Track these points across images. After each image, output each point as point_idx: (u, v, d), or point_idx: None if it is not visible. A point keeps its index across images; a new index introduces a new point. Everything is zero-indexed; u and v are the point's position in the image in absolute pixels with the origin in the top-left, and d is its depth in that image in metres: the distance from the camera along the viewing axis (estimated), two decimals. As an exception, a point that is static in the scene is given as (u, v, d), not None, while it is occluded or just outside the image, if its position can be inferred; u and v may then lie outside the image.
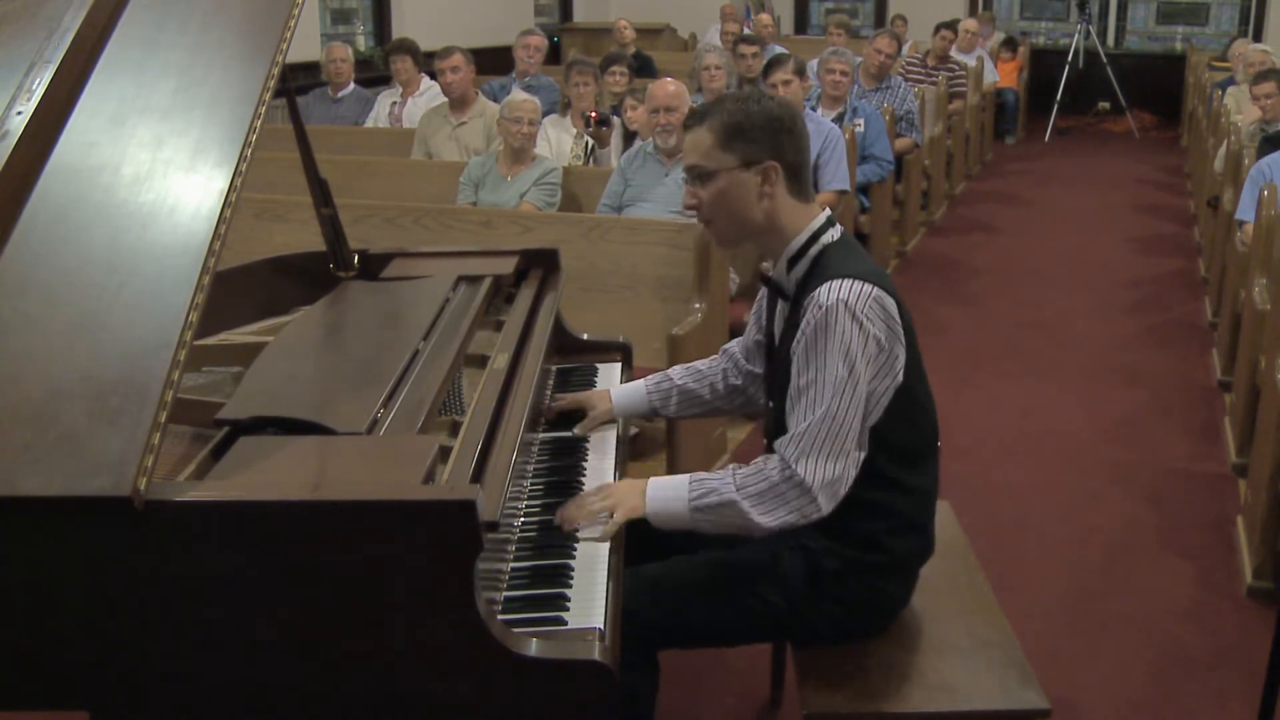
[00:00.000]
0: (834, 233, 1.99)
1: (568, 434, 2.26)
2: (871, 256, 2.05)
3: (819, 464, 1.85)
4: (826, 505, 1.87)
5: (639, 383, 2.33)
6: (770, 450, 1.96)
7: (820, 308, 1.86)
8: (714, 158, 1.95)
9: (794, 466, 1.85)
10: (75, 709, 1.52)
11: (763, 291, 2.16)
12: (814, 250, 1.97)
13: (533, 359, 2.20)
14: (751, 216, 1.97)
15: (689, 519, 1.90)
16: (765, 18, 9.31)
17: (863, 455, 1.90)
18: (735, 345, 2.30)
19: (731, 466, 1.92)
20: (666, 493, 1.91)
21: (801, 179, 1.98)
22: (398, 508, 1.46)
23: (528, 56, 6.54)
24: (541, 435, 2.24)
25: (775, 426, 2.02)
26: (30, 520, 1.41)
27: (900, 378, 1.91)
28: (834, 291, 1.86)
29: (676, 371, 2.33)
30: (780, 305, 2.07)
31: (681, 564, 2.03)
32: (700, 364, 2.33)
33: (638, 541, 2.04)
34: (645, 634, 1.92)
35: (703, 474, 1.94)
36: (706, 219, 2.02)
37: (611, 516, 1.88)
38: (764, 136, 1.93)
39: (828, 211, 2.02)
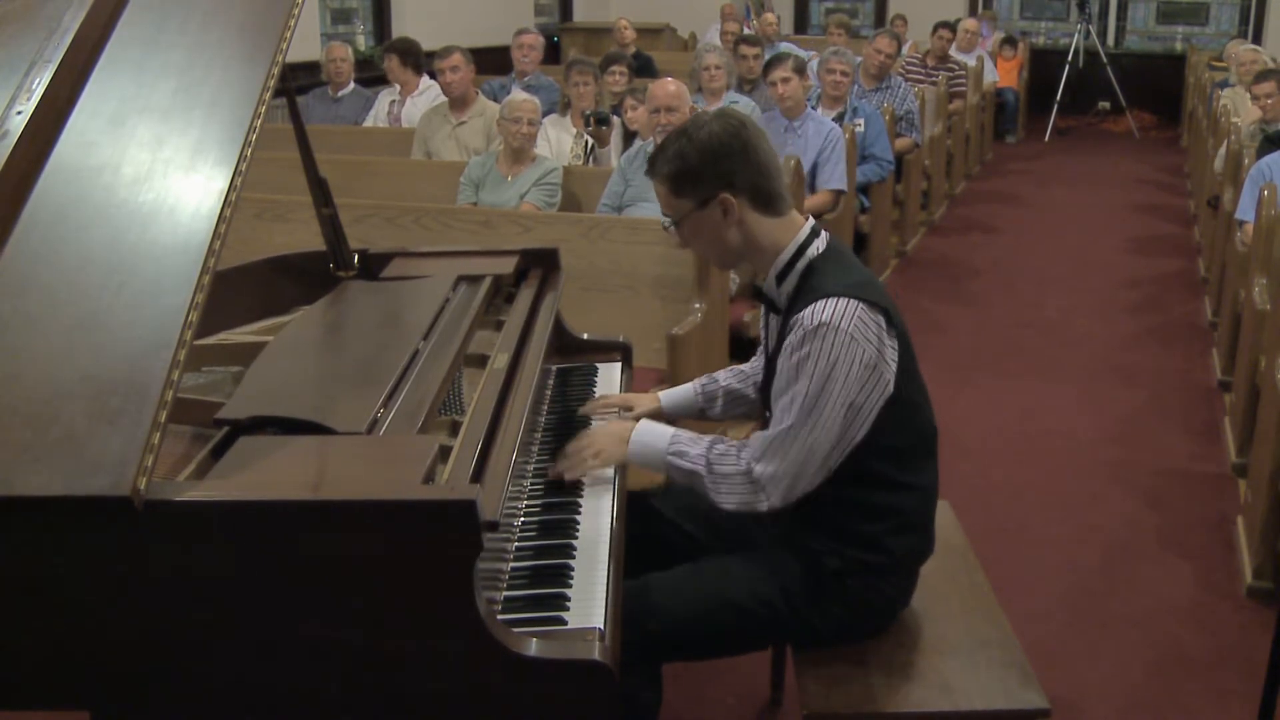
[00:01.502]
0: (819, 244, 1.98)
1: (573, 410, 2.32)
2: (861, 264, 2.04)
3: (775, 468, 1.91)
4: (776, 501, 1.94)
5: (687, 385, 2.37)
6: None
7: (803, 330, 1.87)
8: (673, 206, 1.99)
9: (753, 465, 1.92)
10: (75, 709, 1.52)
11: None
12: (800, 265, 1.97)
13: (533, 359, 2.20)
14: (729, 245, 1.99)
15: (662, 466, 2.03)
16: (770, 17, 9.30)
17: (833, 464, 1.92)
18: None
19: (712, 438, 2.00)
20: (649, 437, 2.04)
21: (766, 194, 1.96)
22: (398, 508, 1.46)
23: (523, 56, 6.54)
24: (544, 427, 2.25)
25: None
26: (30, 520, 1.41)
27: (890, 389, 1.91)
28: (818, 314, 1.86)
29: (723, 374, 2.36)
30: (772, 317, 2.08)
31: (683, 573, 2.04)
32: (744, 366, 2.36)
33: (640, 549, 2.04)
34: (648, 646, 1.92)
35: (685, 434, 2.02)
36: (698, 253, 2.09)
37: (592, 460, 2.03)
38: (707, 172, 1.93)
39: (811, 222, 2.01)
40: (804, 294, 1.93)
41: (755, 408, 2.34)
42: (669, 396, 2.36)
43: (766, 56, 5.94)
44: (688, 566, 2.06)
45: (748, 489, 1.93)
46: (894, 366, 1.91)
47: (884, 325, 1.89)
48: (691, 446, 1.99)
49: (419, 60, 6.22)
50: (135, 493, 1.37)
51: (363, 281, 2.50)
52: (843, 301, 1.86)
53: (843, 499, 1.97)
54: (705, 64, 5.71)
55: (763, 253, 1.99)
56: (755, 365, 2.33)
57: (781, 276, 1.99)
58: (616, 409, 2.31)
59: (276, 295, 2.50)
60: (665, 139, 2.01)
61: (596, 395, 2.43)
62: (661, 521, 2.19)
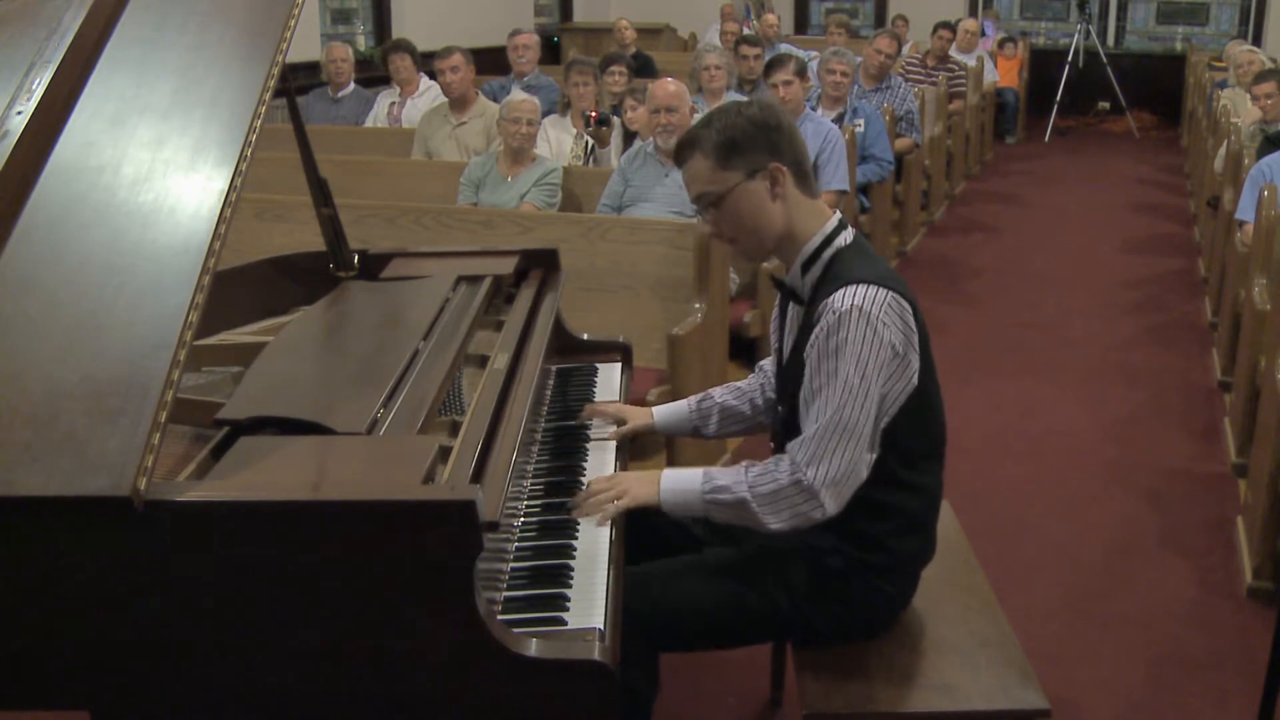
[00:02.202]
0: (846, 236, 1.98)
1: (570, 423, 2.29)
2: (884, 259, 2.04)
3: (827, 467, 1.86)
4: (832, 507, 1.88)
5: (682, 401, 2.34)
6: (780, 452, 1.96)
7: (835, 313, 1.86)
8: (718, 179, 1.94)
9: (803, 470, 1.87)
10: (75, 709, 1.52)
11: (779, 297, 2.16)
12: (827, 254, 1.96)
13: (533, 359, 2.20)
14: (771, 223, 1.96)
15: (702, 508, 1.94)
16: (772, 18, 9.31)
17: (874, 457, 1.90)
18: (767, 362, 2.30)
19: (745, 464, 1.93)
20: (680, 483, 1.95)
21: (805, 173, 1.98)
22: (398, 508, 1.46)
23: (519, 56, 6.54)
24: (544, 428, 2.25)
25: (784, 430, 2.03)
26: (30, 520, 1.41)
27: (915, 381, 1.91)
28: (849, 297, 1.86)
29: (718, 391, 2.33)
30: (793, 309, 2.06)
31: (684, 563, 2.04)
32: (741, 383, 2.33)
33: (639, 541, 2.04)
34: (646, 635, 1.92)
35: (716, 469, 1.96)
36: (731, 239, 2.02)
37: (618, 501, 1.93)
38: (758, 143, 1.93)
39: (838, 214, 2.01)
40: (829, 282, 1.92)
41: (752, 425, 2.32)
42: (663, 412, 2.32)
43: (767, 57, 5.94)
44: (689, 558, 2.06)
45: (799, 499, 1.87)
46: (918, 360, 1.92)
47: (909, 318, 1.90)
48: (727, 478, 1.92)
49: (420, 60, 6.24)
50: (135, 493, 1.38)
51: (363, 281, 2.50)
52: (872, 288, 1.86)
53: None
54: (705, 64, 5.71)
55: (794, 238, 1.98)
56: (753, 382, 2.30)
57: (807, 265, 1.98)
58: (611, 418, 2.28)
59: (276, 295, 2.50)
60: (702, 120, 1.98)
61: (596, 397, 2.43)
62: (663, 518, 2.18)
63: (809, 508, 1.88)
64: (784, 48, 7.81)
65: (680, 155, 1.99)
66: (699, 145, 1.94)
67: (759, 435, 2.41)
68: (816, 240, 1.97)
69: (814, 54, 7.20)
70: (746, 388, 2.31)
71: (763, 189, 1.94)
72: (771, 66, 5.21)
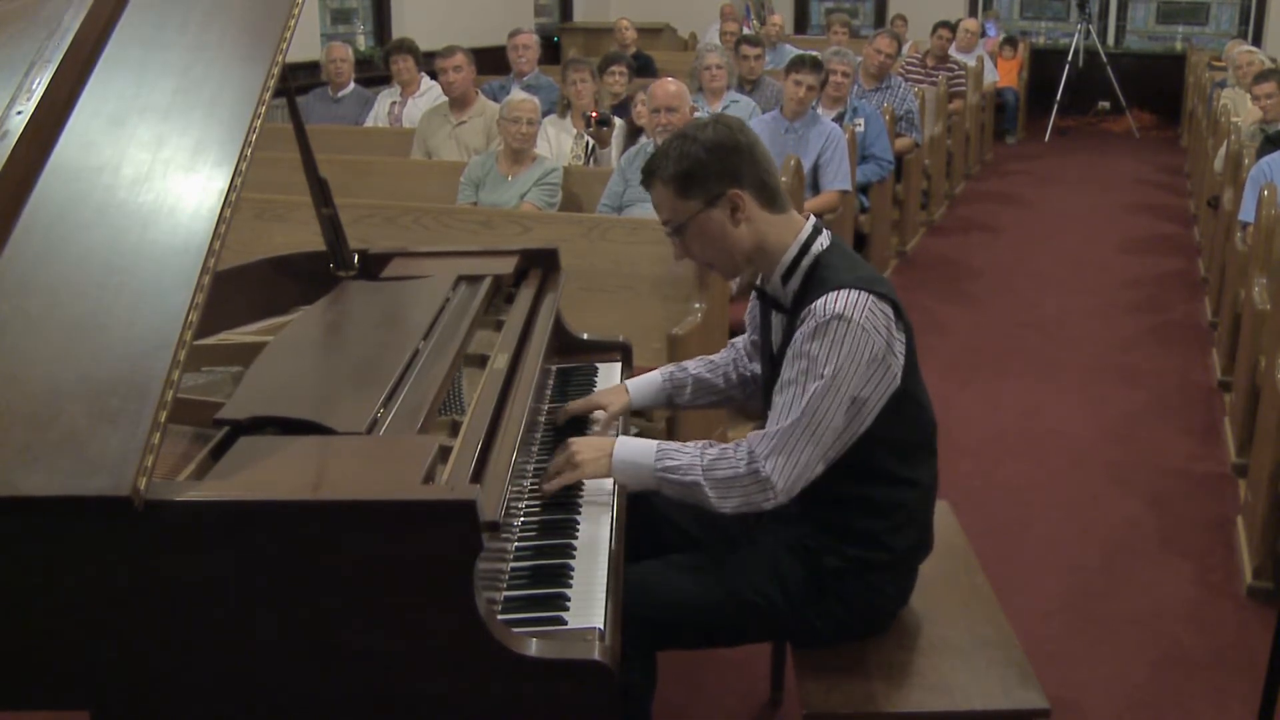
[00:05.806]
0: (823, 240, 1.99)
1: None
2: (864, 259, 2.04)
3: (785, 462, 1.88)
4: (783, 498, 1.91)
5: (654, 373, 2.34)
6: None
7: (816, 319, 1.86)
8: (679, 209, 1.96)
9: (761, 463, 1.88)
10: (75, 709, 1.52)
11: (754, 297, 2.17)
12: (806, 261, 1.97)
13: (533, 359, 2.20)
14: (739, 245, 1.97)
15: (654, 483, 1.95)
16: (777, 19, 9.31)
17: (833, 458, 1.91)
18: (741, 341, 2.33)
19: (703, 444, 1.95)
20: (633, 454, 1.96)
21: (770, 190, 1.97)
22: (398, 508, 1.46)
23: (519, 56, 6.54)
24: (544, 427, 2.24)
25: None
26: (30, 520, 1.41)
27: (897, 382, 1.91)
28: (831, 305, 1.86)
29: (692, 364, 2.35)
30: (776, 317, 2.07)
31: (681, 562, 2.04)
32: (715, 356, 2.35)
33: (637, 539, 2.05)
34: (643, 633, 1.92)
35: (672, 444, 1.97)
36: (703, 263, 2.06)
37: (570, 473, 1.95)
38: (715, 170, 1.92)
39: (813, 219, 2.02)
40: (812, 288, 1.92)
41: (724, 398, 2.34)
42: (636, 387, 2.31)
43: (768, 57, 5.94)
44: (686, 556, 2.06)
45: (752, 488, 1.89)
46: (901, 360, 1.92)
47: (893, 318, 1.90)
48: (681, 457, 1.93)
49: (422, 60, 6.24)
50: (135, 493, 1.38)
51: (363, 281, 2.50)
52: (855, 293, 1.87)
53: (845, 495, 1.97)
54: (706, 64, 5.71)
55: (768, 252, 1.98)
56: (725, 356, 2.33)
57: (787, 275, 1.98)
58: (588, 411, 2.27)
59: (276, 295, 2.50)
60: (662, 145, 1.99)
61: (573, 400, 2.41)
62: (661, 520, 2.19)
63: (761, 498, 1.90)
64: (784, 48, 7.82)
65: (644, 182, 2.00)
66: (658, 174, 1.96)
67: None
68: (793, 250, 1.98)
69: (813, 54, 7.20)
70: (720, 361, 2.33)
71: (724, 215, 1.94)
72: (796, 64, 5.19)
